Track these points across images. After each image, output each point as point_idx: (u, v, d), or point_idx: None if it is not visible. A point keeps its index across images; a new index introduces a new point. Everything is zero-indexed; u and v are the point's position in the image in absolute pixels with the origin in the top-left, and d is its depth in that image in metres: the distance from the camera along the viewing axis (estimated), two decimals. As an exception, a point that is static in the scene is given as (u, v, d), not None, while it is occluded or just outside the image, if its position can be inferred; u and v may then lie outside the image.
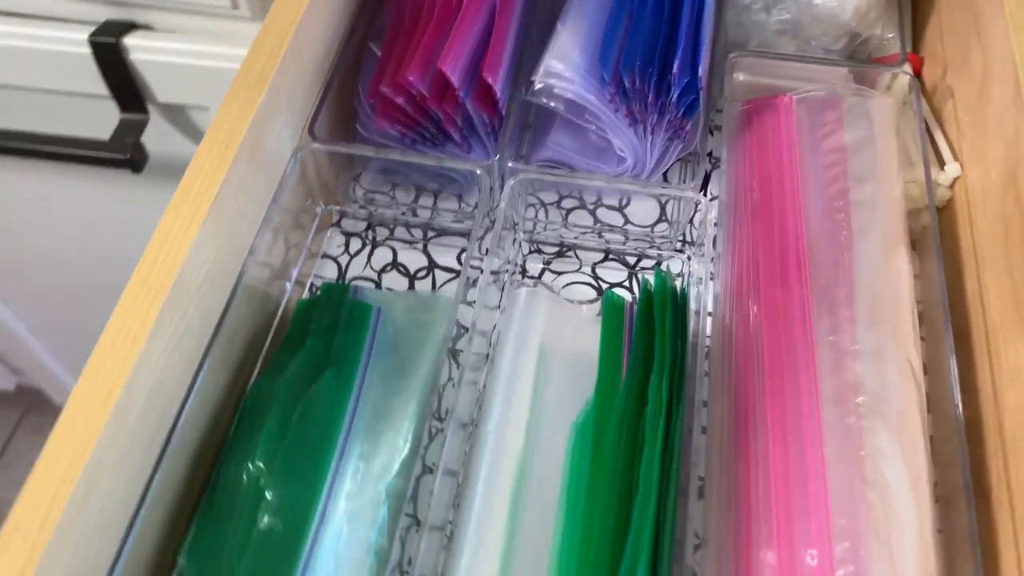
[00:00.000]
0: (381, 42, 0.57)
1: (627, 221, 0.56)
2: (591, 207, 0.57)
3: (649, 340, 0.45)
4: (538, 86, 0.52)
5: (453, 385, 0.48)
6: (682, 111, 0.52)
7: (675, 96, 0.51)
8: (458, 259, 0.55)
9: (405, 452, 0.44)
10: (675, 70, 0.49)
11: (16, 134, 0.80)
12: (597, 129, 0.53)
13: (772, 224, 0.49)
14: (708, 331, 0.48)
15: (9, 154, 0.81)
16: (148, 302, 0.39)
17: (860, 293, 0.45)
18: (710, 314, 0.48)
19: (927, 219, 0.49)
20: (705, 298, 0.48)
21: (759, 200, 0.50)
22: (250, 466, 0.42)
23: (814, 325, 0.44)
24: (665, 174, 0.58)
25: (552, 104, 0.53)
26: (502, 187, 0.50)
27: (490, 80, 0.51)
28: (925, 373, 0.47)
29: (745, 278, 0.48)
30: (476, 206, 0.53)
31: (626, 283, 0.54)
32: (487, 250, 0.48)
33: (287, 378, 0.45)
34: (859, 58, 0.59)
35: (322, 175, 0.53)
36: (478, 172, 0.50)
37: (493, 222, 0.51)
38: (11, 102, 0.81)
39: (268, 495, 0.41)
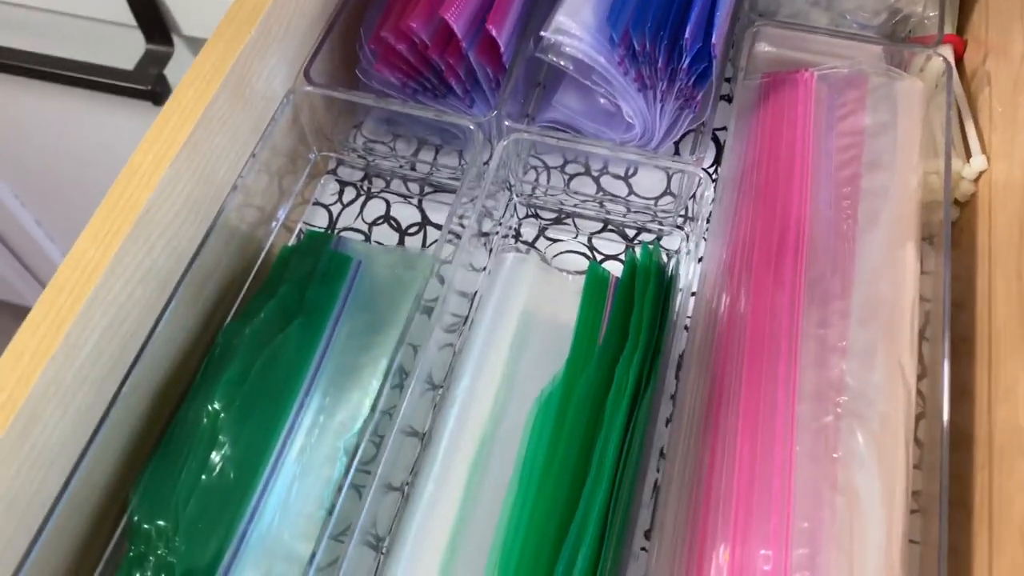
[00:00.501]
0: (393, -14, 0.55)
1: (631, 191, 0.54)
2: (596, 174, 0.55)
3: (626, 318, 0.43)
4: (546, 42, 0.50)
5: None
6: (693, 79, 0.49)
7: (686, 62, 0.48)
8: (452, 217, 0.53)
9: (367, 410, 0.43)
10: (687, 35, 0.47)
11: (43, 57, 0.80)
12: (605, 92, 0.51)
13: (775, 205, 0.46)
14: (690, 311, 0.46)
15: (35, 77, 0.81)
16: (109, 236, 0.38)
17: (858, 287, 0.42)
18: (694, 293, 0.46)
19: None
20: (692, 277, 0.46)
21: (764, 178, 0.48)
22: (209, 409, 0.41)
23: (802, 315, 0.41)
24: (677, 145, 0.55)
25: (560, 62, 0.50)
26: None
27: (494, 32, 0.49)
28: (923, 376, 0.45)
29: (738, 259, 0.46)
30: (467, 162, 0.51)
31: (622, 256, 0.52)
32: (474, 210, 0.47)
33: (256, 324, 0.44)
34: (897, 37, 0.55)
35: (318, 120, 0.52)
36: (471, 127, 0.48)
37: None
38: (40, 26, 0.81)
39: (222, 440, 0.41)
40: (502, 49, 0.50)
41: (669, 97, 0.50)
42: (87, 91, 0.81)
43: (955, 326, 0.45)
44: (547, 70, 0.55)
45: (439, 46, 0.50)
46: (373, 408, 0.42)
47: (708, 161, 0.55)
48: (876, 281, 0.42)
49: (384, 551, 0.41)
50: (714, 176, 0.54)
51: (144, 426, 0.42)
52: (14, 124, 0.94)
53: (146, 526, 0.39)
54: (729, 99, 0.57)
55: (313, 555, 0.37)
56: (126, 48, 0.80)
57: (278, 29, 0.47)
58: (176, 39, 0.79)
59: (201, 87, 0.42)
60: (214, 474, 0.40)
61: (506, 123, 0.48)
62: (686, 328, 0.48)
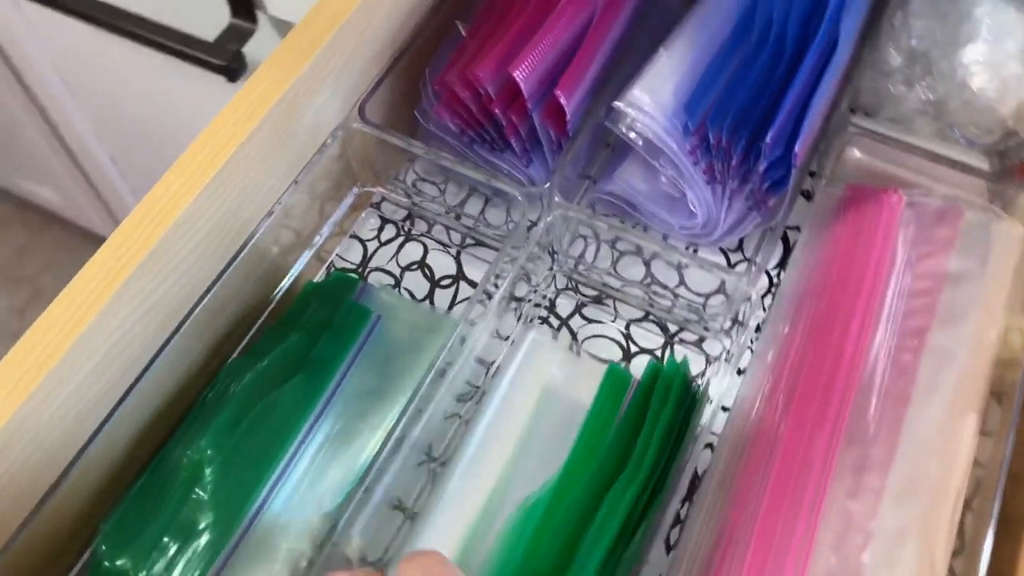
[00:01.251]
0: (470, 22, 0.52)
1: (681, 283, 0.50)
2: (647, 258, 0.51)
3: (634, 436, 0.40)
4: (617, 113, 0.46)
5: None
6: (768, 185, 0.45)
7: (762, 167, 0.44)
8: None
9: (352, 482, 0.41)
10: (768, 139, 0.43)
11: (128, 16, 0.80)
12: (671, 177, 0.47)
13: (829, 342, 0.42)
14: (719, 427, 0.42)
15: (120, 34, 0.81)
16: (115, 271, 0.36)
17: (900, 461, 0.38)
18: (725, 408, 0.42)
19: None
20: (727, 389, 0.42)
21: (827, 304, 0.44)
22: (192, 455, 0.40)
23: (831, 482, 0.38)
24: (742, 241, 0.51)
25: (630, 136, 0.47)
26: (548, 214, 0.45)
27: (562, 100, 0.46)
28: (959, 552, 0.41)
29: (782, 384, 0.42)
30: (513, 225, 0.48)
31: (659, 352, 0.48)
32: (511, 273, 0.44)
33: (258, 370, 0.42)
34: (1007, 161, 0.50)
35: (368, 154, 0.49)
36: (519, 197, 0.45)
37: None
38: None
39: (199, 490, 0.39)
40: (568, 117, 0.46)
41: (739, 196, 0.46)
42: (169, 56, 0.80)
43: (1009, 503, 0.41)
44: (617, 136, 0.52)
45: (504, 101, 0.47)
46: (359, 482, 0.40)
47: (773, 262, 0.50)
48: (924, 458, 0.38)
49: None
50: (776, 281, 0.50)
51: (126, 458, 0.41)
52: (102, 72, 0.94)
53: (107, 564, 0.38)
54: (808, 195, 0.52)
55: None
56: (214, 19, 0.79)
57: (338, 60, 0.44)
58: (261, 17, 0.78)
59: (242, 119, 0.40)
60: (186, 525, 0.39)
61: (556, 198, 0.45)
62: (710, 446, 0.44)
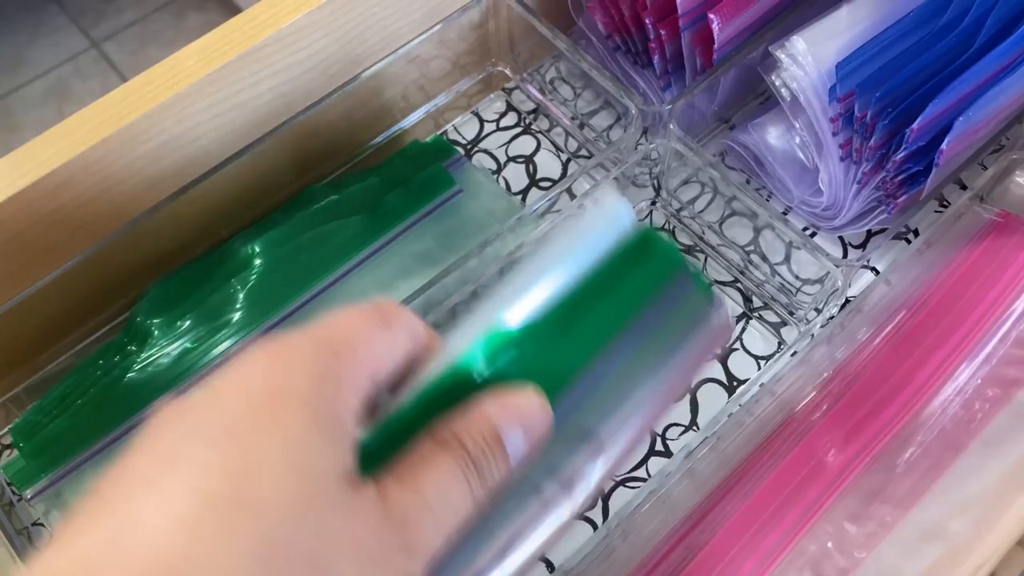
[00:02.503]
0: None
1: (785, 260, 0.46)
2: (759, 226, 0.47)
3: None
4: (772, 59, 0.43)
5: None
6: (902, 178, 0.40)
7: (900, 155, 0.39)
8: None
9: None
10: (915, 126, 0.38)
11: None
12: (807, 142, 0.43)
13: (903, 363, 0.38)
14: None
15: None
16: (214, 55, 0.38)
17: (925, 505, 0.34)
18: (762, 384, 0.39)
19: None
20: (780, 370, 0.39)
21: (916, 327, 0.39)
22: (242, 251, 0.41)
23: (836, 497, 0.34)
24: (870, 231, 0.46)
25: (778, 87, 0.43)
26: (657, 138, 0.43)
27: (715, 24, 0.42)
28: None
29: (830, 391, 0.38)
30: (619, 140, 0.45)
31: (734, 320, 0.45)
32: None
33: (330, 199, 0.43)
34: None
35: (513, 34, 0.48)
36: (632, 111, 0.42)
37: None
38: None
39: (236, 286, 0.41)
40: (715, 45, 0.43)
41: (870, 182, 0.42)
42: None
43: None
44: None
45: (658, 12, 0.44)
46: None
47: (885, 263, 0.45)
48: (952, 513, 0.33)
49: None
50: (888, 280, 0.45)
51: (191, 240, 0.43)
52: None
53: (139, 319, 0.41)
54: (946, 205, 0.46)
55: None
56: None
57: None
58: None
59: (381, -50, 0.40)
60: (214, 309, 0.41)
61: (672, 126, 0.42)
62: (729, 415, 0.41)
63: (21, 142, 0.36)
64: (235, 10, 1.51)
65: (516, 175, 0.49)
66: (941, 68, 0.39)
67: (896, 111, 0.39)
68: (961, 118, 0.37)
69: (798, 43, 0.42)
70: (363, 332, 0.21)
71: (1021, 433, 0.34)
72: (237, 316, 0.41)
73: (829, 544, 0.33)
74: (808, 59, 0.41)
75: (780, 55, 0.42)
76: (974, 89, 0.38)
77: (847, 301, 0.44)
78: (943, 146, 0.38)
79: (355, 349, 0.20)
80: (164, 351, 0.40)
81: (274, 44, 0.39)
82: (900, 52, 0.40)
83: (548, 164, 0.50)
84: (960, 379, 0.36)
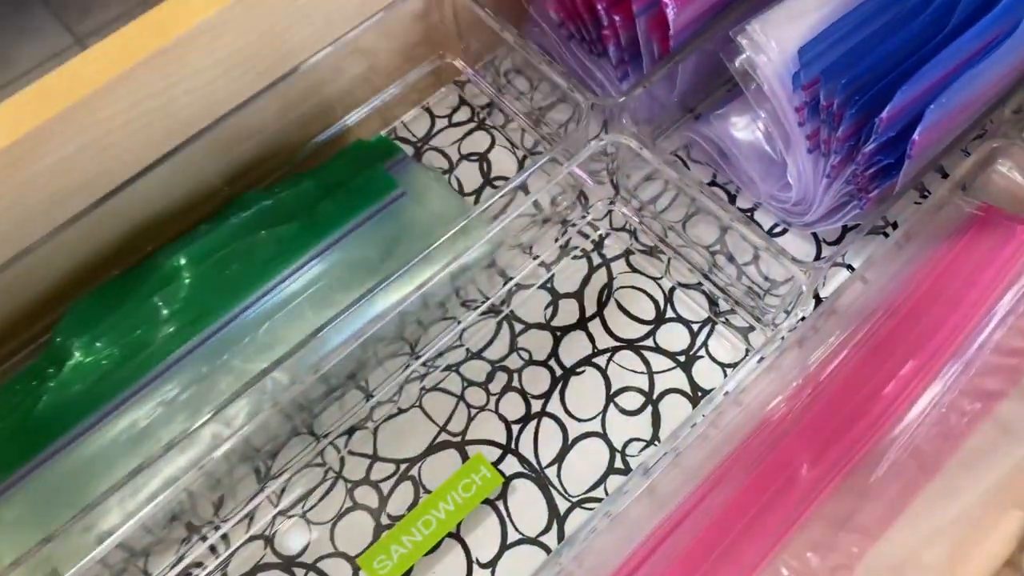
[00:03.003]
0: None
1: (755, 261, 0.43)
2: (726, 225, 0.44)
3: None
4: (733, 45, 0.40)
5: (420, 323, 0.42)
6: (873, 171, 0.37)
7: (870, 147, 0.36)
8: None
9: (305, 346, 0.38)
10: (884, 115, 0.35)
11: None
12: (773, 134, 0.40)
13: (876, 371, 0.35)
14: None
15: None
16: (127, 53, 0.35)
17: (896, 533, 0.31)
18: (726, 393, 0.36)
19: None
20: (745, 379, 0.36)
21: (890, 332, 0.36)
22: (166, 264, 0.39)
23: (799, 524, 0.31)
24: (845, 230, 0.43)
25: (738, 70, 0.40)
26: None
27: (669, 10, 0.39)
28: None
29: (799, 401, 0.36)
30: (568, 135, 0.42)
31: (696, 325, 0.42)
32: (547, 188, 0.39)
33: (262, 206, 0.40)
34: None
35: (462, 25, 0.45)
36: (581, 104, 0.39)
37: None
38: None
39: (159, 302, 0.38)
40: (671, 31, 0.40)
41: (840, 175, 0.39)
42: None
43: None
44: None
45: (611, -2, 0.41)
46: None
47: (861, 259, 0.42)
48: (927, 542, 0.31)
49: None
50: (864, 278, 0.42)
51: (103, 256, 0.40)
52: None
53: (58, 340, 0.38)
54: (926, 194, 0.43)
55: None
56: None
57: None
58: None
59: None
60: (136, 328, 0.38)
61: (624, 120, 0.39)
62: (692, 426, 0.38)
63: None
64: None
65: (469, 174, 0.46)
66: (912, 52, 0.36)
67: (864, 99, 0.36)
68: (933, 106, 0.34)
69: (758, 27, 0.39)
70: None
71: (1000, 452, 0.31)
72: (161, 333, 0.38)
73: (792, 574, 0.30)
74: (770, 44, 0.38)
75: (741, 40, 0.39)
76: (948, 73, 0.35)
77: (819, 301, 0.41)
78: (915, 136, 0.35)
79: None
80: (83, 373, 0.37)
81: (187, 43, 0.36)
82: (868, 35, 0.37)
83: (503, 161, 0.47)
84: (936, 390, 0.33)
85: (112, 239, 0.39)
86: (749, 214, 0.45)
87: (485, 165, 0.46)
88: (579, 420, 0.40)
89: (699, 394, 0.40)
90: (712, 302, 0.42)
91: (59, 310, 0.39)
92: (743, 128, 0.42)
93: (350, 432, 0.40)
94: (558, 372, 0.41)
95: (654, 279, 0.43)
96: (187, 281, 0.39)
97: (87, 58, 0.34)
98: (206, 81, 0.38)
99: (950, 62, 0.35)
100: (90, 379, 0.37)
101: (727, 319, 0.42)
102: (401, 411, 0.41)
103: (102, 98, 0.34)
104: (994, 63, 0.35)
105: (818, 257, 0.43)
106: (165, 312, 0.38)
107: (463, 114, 0.48)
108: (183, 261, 0.39)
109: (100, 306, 0.39)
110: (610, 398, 0.40)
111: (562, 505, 0.38)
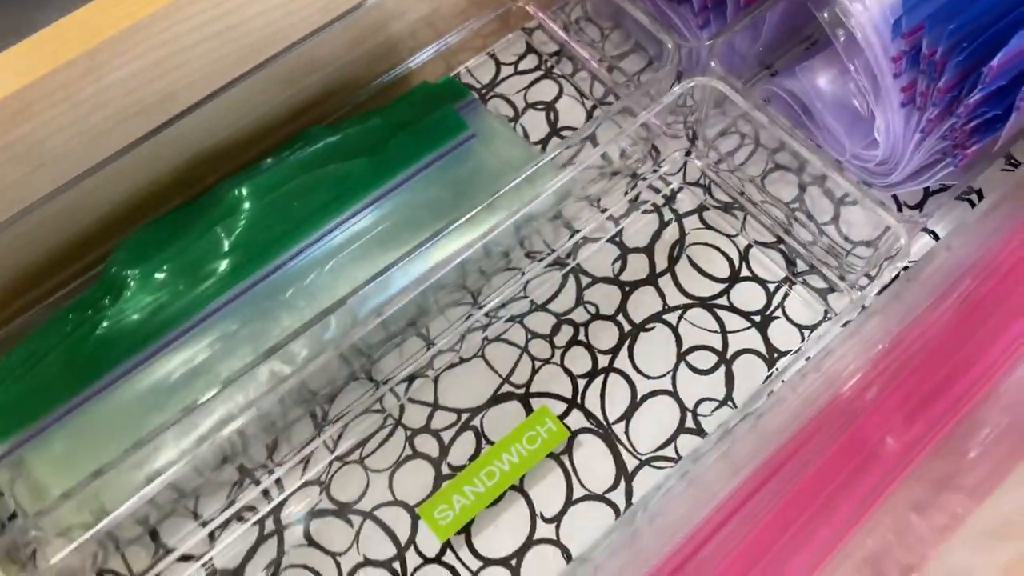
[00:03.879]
0: None
1: (834, 220, 0.41)
2: (806, 181, 0.43)
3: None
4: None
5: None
6: (975, 124, 0.35)
7: (975, 98, 0.34)
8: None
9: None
10: (994, 63, 0.33)
11: None
12: (863, 88, 0.38)
13: (967, 338, 0.33)
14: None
15: None
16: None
17: (1002, 493, 0.29)
18: (808, 358, 0.34)
19: None
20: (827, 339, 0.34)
21: (981, 298, 0.34)
22: (229, 194, 0.37)
23: (897, 484, 0.29)
24: (927, 193, 0.42)
25: (829, 20, 0.38)
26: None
27: (762, -49, 0.37)
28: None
29: (886, 369, 0.34)
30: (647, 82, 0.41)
31: (772, 285, 0.40)
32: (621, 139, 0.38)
33: (329, 141, 0.39)
34: None
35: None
36: (668, 46, 0.38)
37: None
38: None
39: (221, 232, 0.37)
40: (762, -25, 0.38)
41: (935, 130, 0.37)
42: None
43: None
44: (821, 29, 0.43)
45: (697, -61, 0.39)
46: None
47: (945, 227, 0.41)
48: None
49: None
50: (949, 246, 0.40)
51: (162, 185, 0.39)
52: None
53: (114, 270, 0.37)
54: (1015, 163, 0.41)
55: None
56: None
57: None
58: None
59: None
60: (198, 257, 0.36)
61: (712, 63, 0.38)
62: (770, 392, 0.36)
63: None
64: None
65: (535, 123, 0.45)
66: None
67: (972, 46, 0.34)
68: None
69: (858, -27, 0.37)
70: None
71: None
72: (222, 267, 0.36)
73: (890, 537, 0.28)
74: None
75: (836, -12, 0.37)
76: (1064, 21, 0.34)
77: (904, 268, 0.39)
78: (1026, 86, 0.33)
79: None
80: (140, 304, 0.36)
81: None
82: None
83: (571, 111, 0.45)
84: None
85: (172, 167, 0.38)
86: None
87: (552, 114, 0.45)
88: (648, 377, 0.38)
89: (775, 355, 0.39)
90: (790, 261, 0.41)
91: (116, 239, 0.37)
92: (830, 82, 0.40)
93: (410, 379, 0.39)
94: (627, 328, 0.40)
95: (729, 236, 0.42)
96: (250, 214, 0.37)
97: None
98: (278, 4, 0.36)
99: (1066, 10, 0.33)
100: (146, 311, 0.36)
101: (805, 279, 0.40)
102: (463, 360, 0.39)
103: (179, 9, 0.33)
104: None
105: (899, 220, 0.42)
106: (226, 245, 0.37)
107: (530, 61, 0.46)
108: (246, 193, 0.37)
109: (158, 236, 0.37)
110: (681, 356, 0.39)
111: (631, 463, 0.37)
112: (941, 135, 0.37)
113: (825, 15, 0.38)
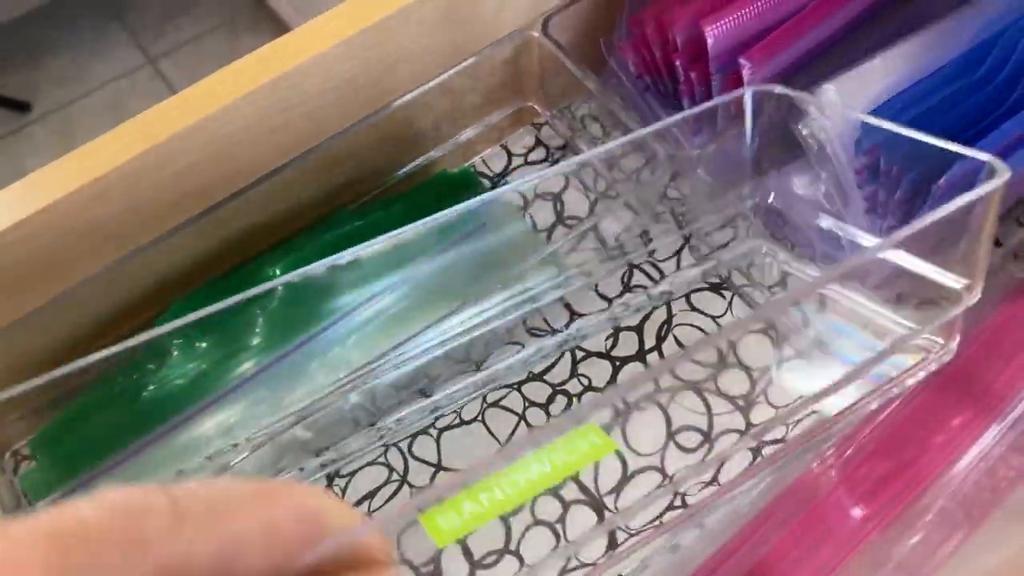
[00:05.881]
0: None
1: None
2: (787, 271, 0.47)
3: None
4: (801, 108, 0.42)
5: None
6: (929, 233, 0.39)
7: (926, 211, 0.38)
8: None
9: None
10: (942, 182, 0.37)
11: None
12: (831, 193, 0.43)
13: (930, 419, 0.37)
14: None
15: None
16: (249, 77, 0.38)
17: None
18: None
19: None
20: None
21: (942, 383, 0.38)
22: (263, 272, 0.42)
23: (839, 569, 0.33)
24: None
25: (803, 132, 0.43)
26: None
27: (745, 69, 0.42)
28: None
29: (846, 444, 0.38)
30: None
31: (758, 373, 0.44)
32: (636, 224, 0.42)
33: (354, 225, 0.44)
34: None
35: (544, 71, 0.49)
36: (660, 154, 0.42)
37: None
38: None
39: (258, 311, 0.41)
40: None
41: (896, 237, 0.41)
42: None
43: None
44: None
45: (689, 55, 0.44)
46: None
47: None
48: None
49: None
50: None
51: (206, 259, 0.43)
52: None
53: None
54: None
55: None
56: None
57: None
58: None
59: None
60: (240, 328, 0.41)
61: (699, 171, 0.42)
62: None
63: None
64: (286, 30, 1.55)
65: (543, 212, 0.49)
66: (973, 122, 0.39)
67: (926, 164, 0.38)
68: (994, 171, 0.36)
69: (828, 91, 0.41)
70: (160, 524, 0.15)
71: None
72: (255, 341, 0.41)
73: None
74: (837, 108, 0.41)
75: (810, 103, 0.42)
76: (1008, 144, 0.38)
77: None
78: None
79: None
80: (182, 371, 0.40)
81: (308, 69, 0.39)
82: (931, 105, 0.39)
83: (575, 202, 0.50)
84: (984, 444, 0.35)
85: (219, 243, 0.43)
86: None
87: (559, 204, 0.49)
88: (639, 454, 0.42)
89: (749, 428, 0.42)
90: (775, 344, 0.45)
91: (162, 306, 0.42)
92: (804, 187, 0.45)
93: (413, 437, 0.43)
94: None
95: (713, 317, 0.46)
96: (282, 292, 0.42)
97: (222, 76, 0.38)
98: (318, 105, 0.41)
99: (1009, 135, 0.38)
100: (185, 379, 0.41)
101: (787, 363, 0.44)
102: (463, 422, 0.43)
103: (231, 112, 0.38)
104: (1051, 140, 0.37)
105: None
106: (260, 320, 0.41)
107: (538, 154, 0.51)
108: (279, 272, 0.42)
109: (200, 307, 0.42)
110: (671, 435, 0.43)
111: (619, 535, 0.40)
112: (901, 240, 0.41)
113: (800, 127, 0.43)
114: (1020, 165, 0.37)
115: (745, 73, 0.42)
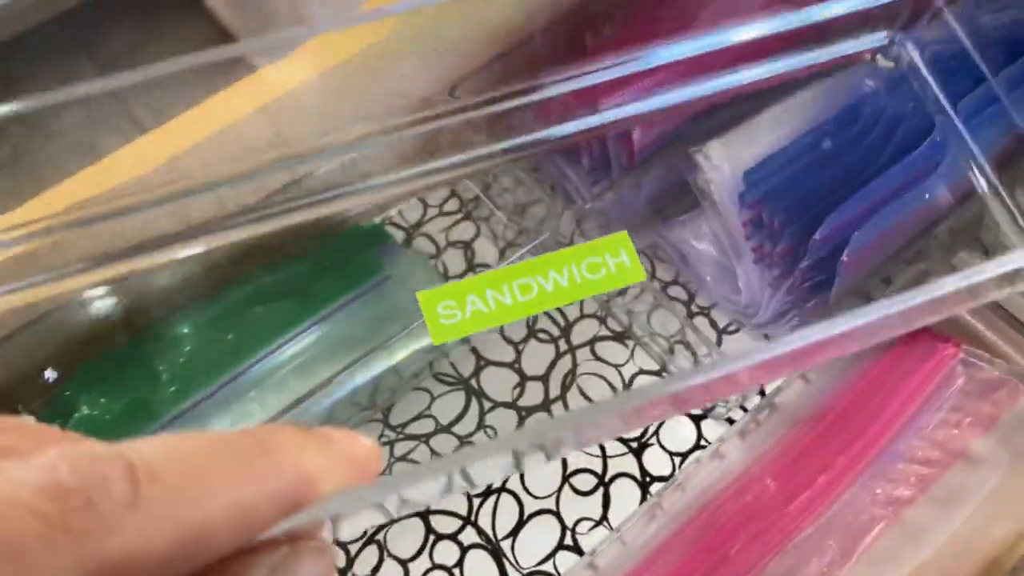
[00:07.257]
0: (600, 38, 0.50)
1: (718, 344, 0.47)
2: (696, 310, 0.48)
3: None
4: (692, 161, 0.44)
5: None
6: (809, 285, 0.41)
7: (805, 264, 0.40)
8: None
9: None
10: (817, 236, 0.39)
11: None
12: (724, 242, 0.44)
13: (805, 467, 0.38)
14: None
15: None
16: (155, 153, 0.40)
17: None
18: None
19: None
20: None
21: (820, 433, 0.39)
22: (169, 331, 0.43)
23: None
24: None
25: (696, 184, 0.44)
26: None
27: (635, 131, 0.44)
28: None
29: (755, 470, 0.39)
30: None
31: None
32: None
33: (262, 283, 0.45)
34: None
35: (452, 131, 0.50)
36: (558, 209, 0.44)
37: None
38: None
39: (161, 368, 0.42)
40: (635, 148, 0.44)
41: (781, 286, 0.42)
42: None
43: None
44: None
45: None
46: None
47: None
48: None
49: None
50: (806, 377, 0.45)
51: (109, 322, 0.44)
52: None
53: (68, 394, 0.42)
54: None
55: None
56: None
57: (426, 33, 0.45)
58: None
59: (319, 55, 0.42)
60: (146, 385, 0.42)
61: (593, 219, 0.44)
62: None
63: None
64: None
65: (455, 260, 0.51)
66: (847, 179, 0.40)
67: (804, 219, 0.40)
68: (858, 232, 0.38)
69: (715, 147, 0.43)
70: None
71: (905, 555, 0.34)
72: (160, 395, 0.42)
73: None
74: (724, 164, 0.43)
75: (698, 159, 0.43)
76: (877, 202, 0.39)
77: (763, 394, 0.44)
78: (844, 258, 0.38)
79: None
80: (88, 426, 0.42)
81: (208, 145, 0.41)
82: (809, 161, 0.41)
83: (486, 250, 0.51)
84: (852, 492, 0.36)
85: (126, 304, 0.44)
86: (707, 311, 0.49)
87: (469, 252, 0.51)
88: (535, 497, 0.43)
89: (647, 479, 0.44)
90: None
91: (71, 366, 0.43)
92: (700, 236, 0.46)
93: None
94: (520, 450, 0.45)
95: (616, 366, 0.47)
96: (187, 348, 0.43)
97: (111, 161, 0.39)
98: (223, 180, 0.42)
99: (879, 192, 0.39)
100: (93, 432, 0.42)
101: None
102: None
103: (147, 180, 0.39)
104: (917, 196, 0.39)
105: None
106: (165, 375, 0.42)
107: (452, 204, 0.52)
108: (186, 330, 0.43)
109: (108, 366, 0.43)
110: (566, 478, 0.44)
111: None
112: (786, 290, 0.42)
113: (693, 180, 0.44)
114: (887, 221, 0.38)
115: (635, 135, 0.44)
